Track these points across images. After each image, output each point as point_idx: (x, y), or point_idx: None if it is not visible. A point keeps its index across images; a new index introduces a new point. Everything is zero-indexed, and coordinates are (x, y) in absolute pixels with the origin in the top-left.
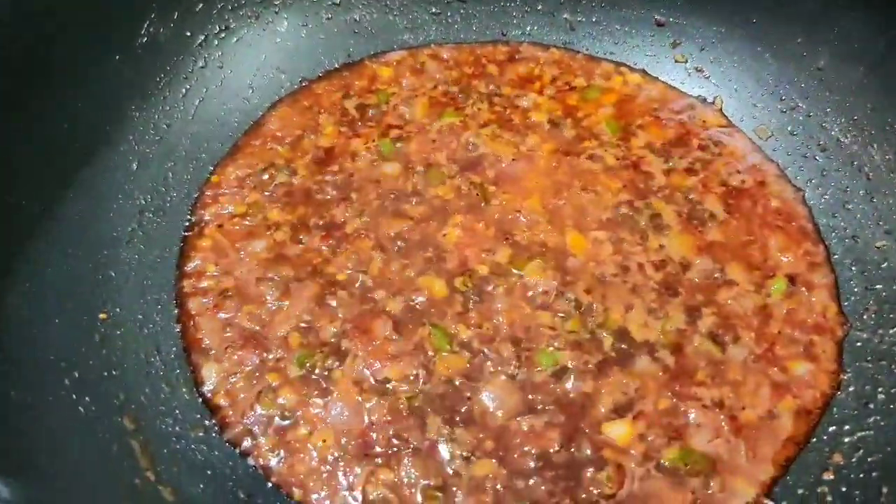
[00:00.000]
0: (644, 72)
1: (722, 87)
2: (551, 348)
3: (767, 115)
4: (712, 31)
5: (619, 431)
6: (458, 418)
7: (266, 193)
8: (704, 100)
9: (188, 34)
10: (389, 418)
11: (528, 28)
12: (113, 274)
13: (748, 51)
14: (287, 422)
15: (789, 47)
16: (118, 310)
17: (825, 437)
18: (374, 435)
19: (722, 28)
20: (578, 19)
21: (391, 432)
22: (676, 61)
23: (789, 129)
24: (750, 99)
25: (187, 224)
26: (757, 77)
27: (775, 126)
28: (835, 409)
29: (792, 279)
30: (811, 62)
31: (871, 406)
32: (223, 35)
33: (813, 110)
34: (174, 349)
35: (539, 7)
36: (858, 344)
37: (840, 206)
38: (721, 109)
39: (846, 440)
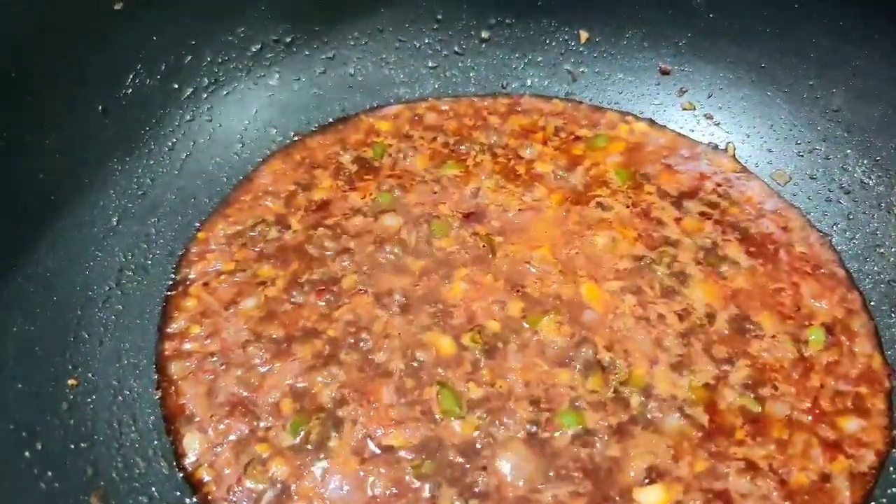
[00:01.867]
0: (651, 120)
1: (733, 133)
2: (573, 409)
3: (784, 159)
4: (720, 77)
5: (653, 498)
6: (472, 489)
7: (256, 249)
8: (716, 147)
9: (176, 86)
10: (395, 491)
11: (529, 80)
12: (86, 336)
13: (759, 95)
14: (279, 496)
15: (802, 90)
16: (90, 375)
17: (885, 501)
18: None
19: (730, 74)
20: (580, 70)
21: None
22: (684, 109)
23: (808, 172)
24: (764, 144)
25: (170, 283)
26: (770, 121)
27: (793, 170)
28: (891, 469)
29: (829, 328)
30: (826, 103)
31: None
32: (212, 88)
33: (832, 153)
34: (152, 418)
35: (539, 59)
36: None
37: (872, 250)
38: (734, 156)
39: None
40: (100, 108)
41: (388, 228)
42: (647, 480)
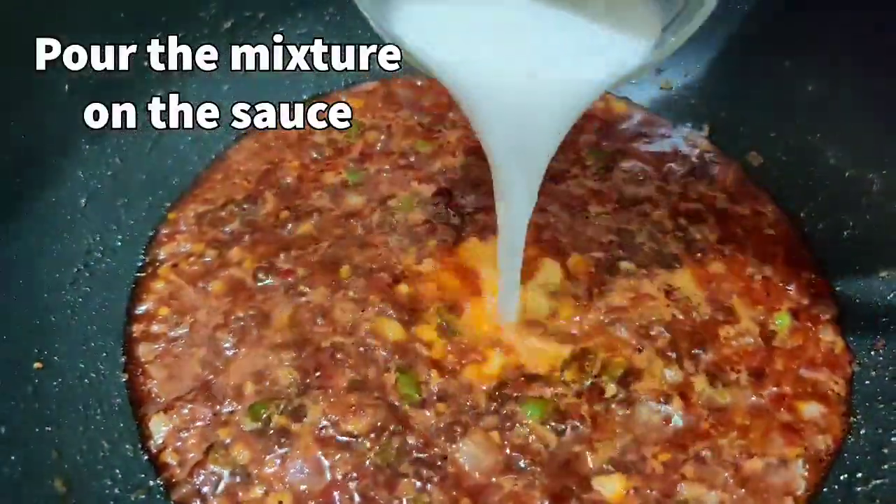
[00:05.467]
0: (627, 99)
1: (709, 114)
2: (537, 399)
3: (758, 141)
4: (697, 56)
5: (611, 487)
6: (431, 476)
7: (226, 230)
8: (692, 127)
9: (145, 64)
10: (355, 475)
11: None
12: (53, 319)
13: (735, 77)
14: (240, 481)
15: (778, 72)
16: (56, 358)
17: (836, 487)
18: (337, 495)
19: (707, 54)
20: None
21: (356, 492)
22: (661, 88)
23: (781, 156)
24: (739, 126)
25: (140, 265)
26: (745, 103)
27: (766, 153)
28: (845, 455)
29: (796, 313)
30: (801, 87)
31: (885, 451)
32: (183, 66)
33: (806, 135)
34: (119, 401)
35: None
36: (867, 382)
37: (839, 235)
38: (709, 136)
39: (859, 489)
40: (66, 87)
41: (357, 207)
42: (607, 469)
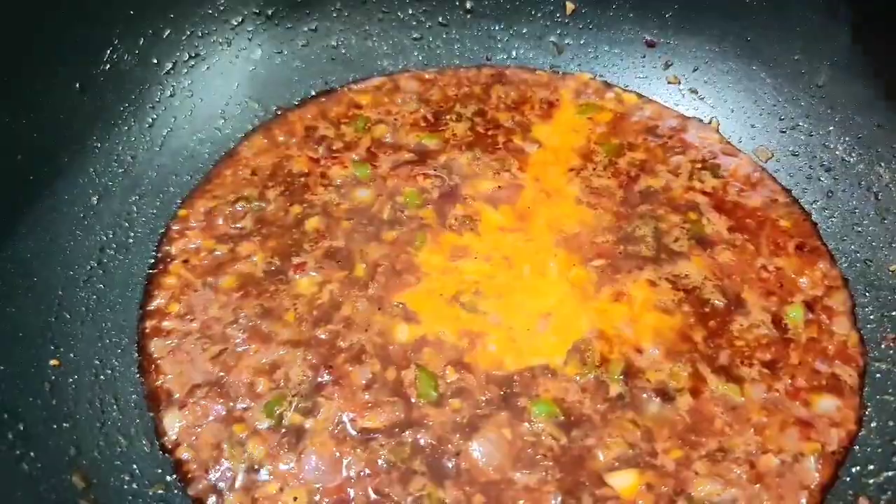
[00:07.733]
0: (637, 93)
1: (718, 107)
2: (549, 397)
3: (767, 135)
4: (705, 50)
5: (624, 482)
6: (445, 473)
7: (236, 226)
8: (700, 121)
9: (155, 61)
10: (368, 472)
11: (514, 52)
12: (68, 316)
13: (743, 70)
14: (255, 477)
15: (787, 64)
16: (72, 355)
17: (848, 480)
18: (352, 491)
19: (715, 47)
20: (566, 42)
21: (370, 488)
22: (669, 83)
23: (791, 149)
24: (748, 119)
25: (152, 261)
26: (754, 96)
27: (776, 146)
28: (857, 448)
29: (810, 306)
30: (811, 79)
31: None
32: (193, 62)
33: (815, 129)
34: (134, 397)
35: (524, 30)
36: (878, 375)
37: (850, 229)
38: (718, 130)
39: (871, 482)
40: (77, 85)
41: (366, 202)
42: (618, 465)
